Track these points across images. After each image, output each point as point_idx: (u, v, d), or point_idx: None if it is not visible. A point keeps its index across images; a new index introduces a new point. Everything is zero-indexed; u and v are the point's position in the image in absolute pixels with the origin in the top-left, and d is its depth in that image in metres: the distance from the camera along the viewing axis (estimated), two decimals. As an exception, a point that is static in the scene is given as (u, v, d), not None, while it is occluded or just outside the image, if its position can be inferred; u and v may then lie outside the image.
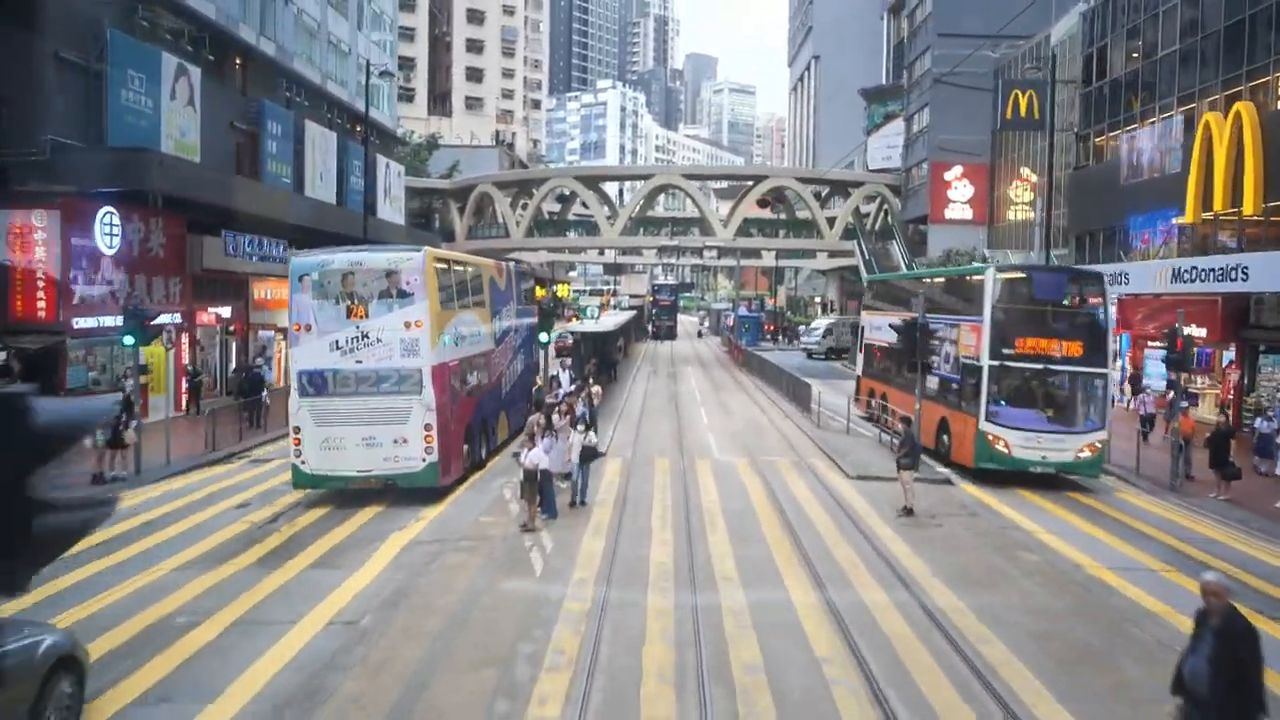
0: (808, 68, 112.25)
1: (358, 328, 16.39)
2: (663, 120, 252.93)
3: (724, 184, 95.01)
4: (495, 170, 67.40)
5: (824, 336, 56.58)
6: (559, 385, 22.94)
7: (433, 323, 16.72)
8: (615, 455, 22.67)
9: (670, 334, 75.30)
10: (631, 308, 65.47)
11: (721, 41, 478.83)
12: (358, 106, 46.53)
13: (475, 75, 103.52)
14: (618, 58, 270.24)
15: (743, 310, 71.22)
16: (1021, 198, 50.60)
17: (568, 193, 62.31)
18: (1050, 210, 34.88)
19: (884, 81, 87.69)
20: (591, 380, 24.45)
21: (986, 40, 48.59)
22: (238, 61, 34.13)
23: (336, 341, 16.43)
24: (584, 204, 59.87)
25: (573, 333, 27.66)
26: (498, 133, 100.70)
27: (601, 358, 38.04)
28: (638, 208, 58.68)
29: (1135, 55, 35.71)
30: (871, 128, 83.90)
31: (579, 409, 20.50)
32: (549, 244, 59.55)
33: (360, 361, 16.42)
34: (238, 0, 34.05)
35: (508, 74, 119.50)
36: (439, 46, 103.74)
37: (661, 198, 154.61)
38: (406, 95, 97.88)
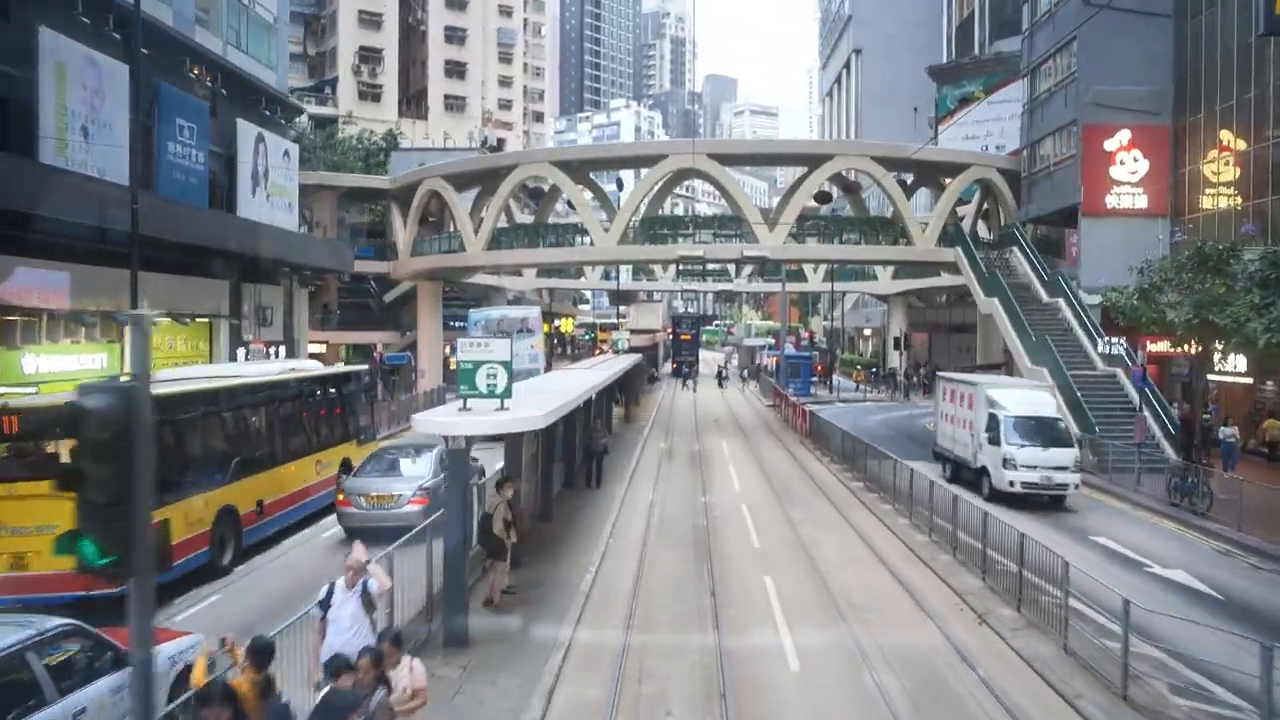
0: (846, 66, 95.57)
1: None
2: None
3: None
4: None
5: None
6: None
7: (541, 345, 34.01)
8: None
9: (691, 372, 64.53)
10: (636, 348, 47.82)
11: (742, 63, 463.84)
12: (204, 44, 29.56)
13: (456, 70, 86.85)
14: (632, 80, 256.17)
15: (790, 348, 53.36)
16: (1223, 175, 32.87)
17: (547, 186, 45.09)
18: None
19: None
20: (389, 649, 6.73)
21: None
22: None
23: None
24: (569, 203, 42.79)
25: (451, 438, 10.45)
26: (484, 137, 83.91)
27: (561, 453, 20.55)
28: (644, 202, 41.11)
29: None
30: (943, 115, 66.58)
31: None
32: (520, 258, 42.09)
33: None
34: None
35: (505, 81, 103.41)
36: (412, 37, 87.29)
37: (680, 198, 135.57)
38: (372, 93, 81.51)
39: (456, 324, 69.19)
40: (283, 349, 33.47)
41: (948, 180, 43.61)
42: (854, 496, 22.10)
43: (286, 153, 35.33)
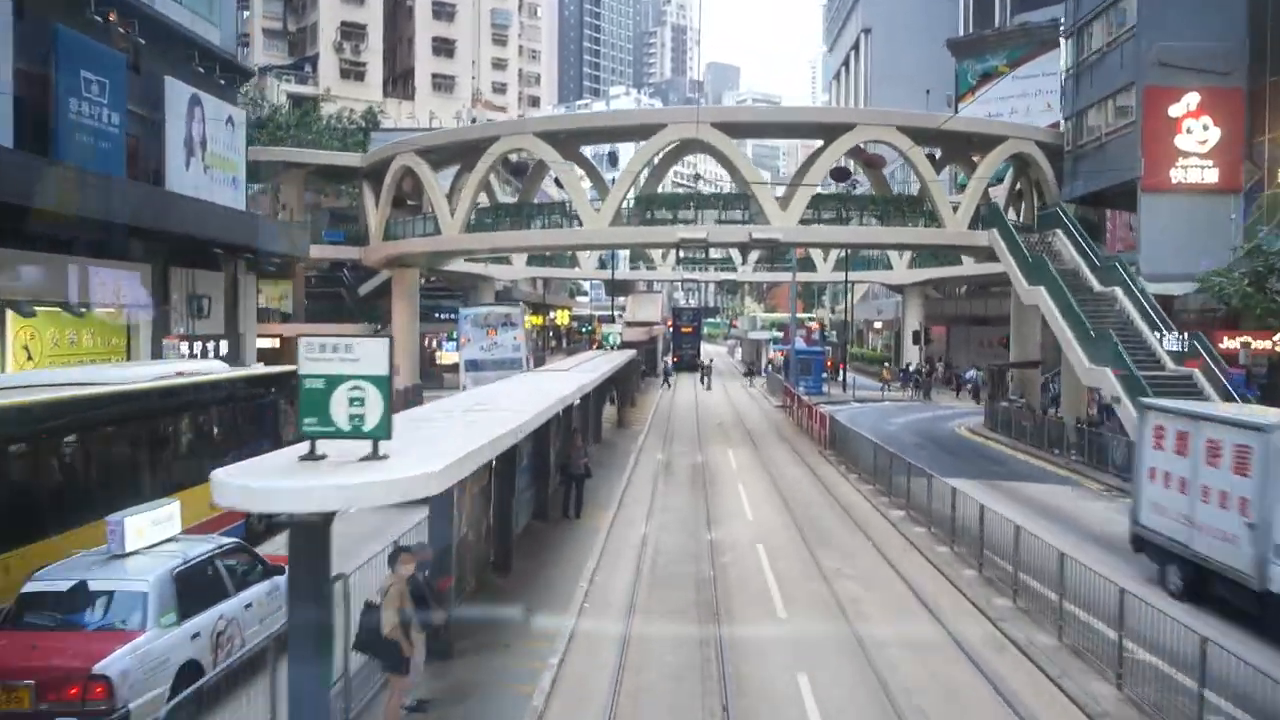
0: (854, 47, 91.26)
1: (492, 340, 32.11)
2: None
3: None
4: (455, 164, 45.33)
5: None
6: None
7: (524, 338, 33.16)
8: None
9: (692, 366, 64.04)
10: (631, 344, 43.02)
11: (745, 51, 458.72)
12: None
13: (444, 48, 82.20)
14: (633, 67, 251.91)
15: (800, 343, 48.93)
16: (1308, 145, 28.42)
17: (530, 159, 40.41)
18: None
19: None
20: None
21: None
22: None
23: (482, 346, 32.17)
24: (557, 181, 38.28)
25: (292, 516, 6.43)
26: (473, 118, 79.23)
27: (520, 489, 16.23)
28: (642, 177, 36.68)
29: None
30: (963, 91, 61.99)
31: None
32: (500, 241, 37.56)
33: (492, 354, 31.77)
34: None
35: (499, 64, 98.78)
36: (399, 13, 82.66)
37: (679, 187, 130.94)
38: (355, 71, 77.00)
39: (442, 315, 64.85)
40: (223, 344, 29.00)
41: (977, 157, 39.21)
42: (897, 532, 17.67)
43: (230, 120, 30.82)
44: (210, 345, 27.93)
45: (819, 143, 36.64)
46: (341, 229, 46.68)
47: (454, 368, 66.65)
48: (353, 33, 76.58)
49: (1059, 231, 34.49)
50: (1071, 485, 24.35)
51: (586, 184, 43.66)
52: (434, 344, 69.52)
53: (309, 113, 60.31)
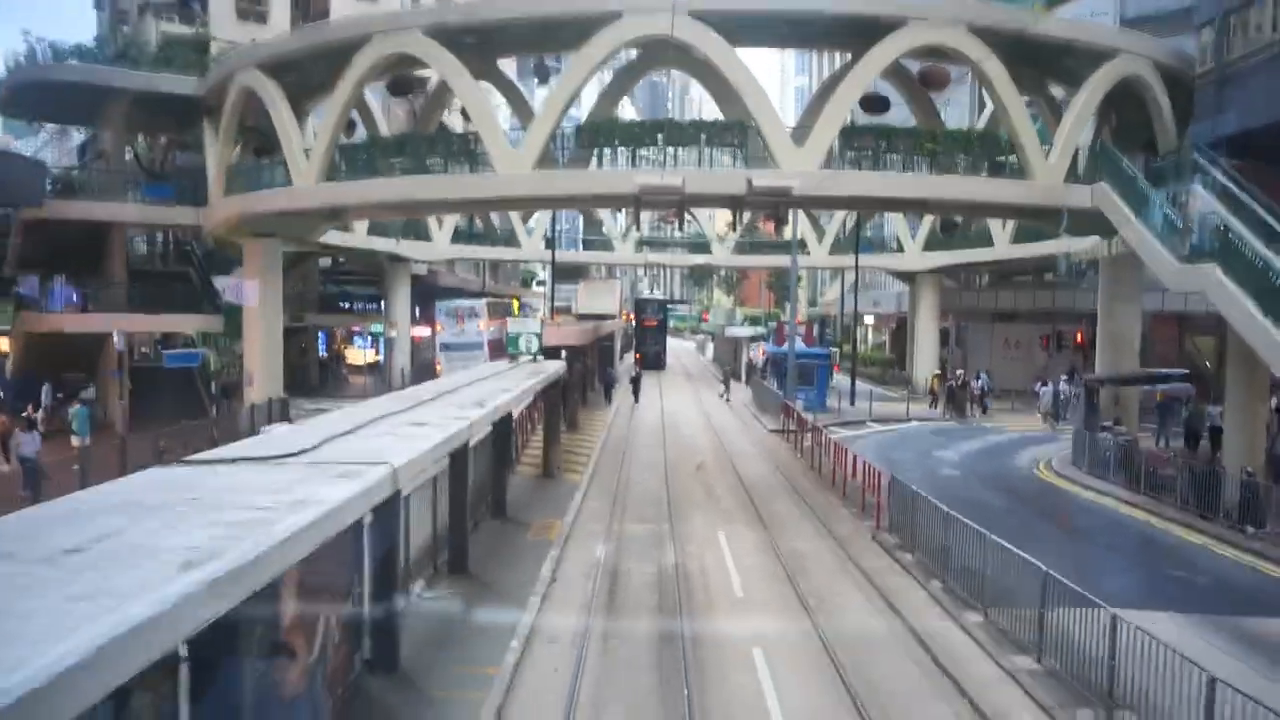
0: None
1: (460, 328, 36.04)
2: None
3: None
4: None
5: None
6: None
7: (484, 325, 35.81)
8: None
9: (658, 363, 60.57)
10: (563, 347, 30.78)
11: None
12: None
13: (367, -11, 69.70)
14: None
15: (800, 343, 37.44)
16: None
17: (429, 85, 28.29)
18: None
19: None
20: None
21: None
22: None
23: (453, 332, 36.18)
24: (464, 114, 26.29)
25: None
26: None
27: None
28: (579, 91, 24.97)
29: None
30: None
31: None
32: (371, 193, 25.35)
33: (460, 339, 35.67)
34: None
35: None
36: (313, -55, 69.88)
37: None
38: (255, 12, 63.97)
39: (350, 306, 53.03)
40: None
41: (1059, 89, 28.18)
42: None
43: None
44: None
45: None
46: (163, 184, 34.05)
47: (367, 369, 55.02)
48: (252, -36, 63.69)
49: (1196, 188, 23.12)
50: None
51: (507, 113, 31.79)
52: (342, 340, 57.42)
53: (171, 44, 47.69)
